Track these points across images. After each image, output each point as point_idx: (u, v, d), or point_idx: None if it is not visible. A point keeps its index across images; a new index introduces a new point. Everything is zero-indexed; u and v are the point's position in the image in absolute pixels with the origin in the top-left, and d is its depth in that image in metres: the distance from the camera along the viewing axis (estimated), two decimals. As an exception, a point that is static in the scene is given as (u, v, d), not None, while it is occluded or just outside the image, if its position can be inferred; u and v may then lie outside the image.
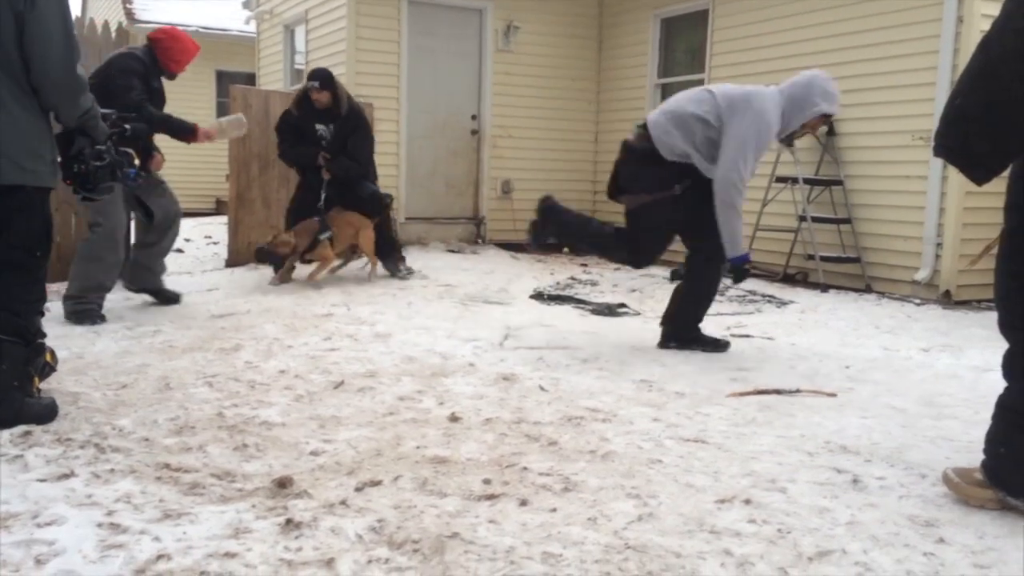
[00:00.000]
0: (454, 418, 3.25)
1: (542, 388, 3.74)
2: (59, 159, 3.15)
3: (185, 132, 5.36)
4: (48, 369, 3.36)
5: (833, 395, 3.68)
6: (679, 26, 9.36)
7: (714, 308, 6.16)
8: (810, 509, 2.44)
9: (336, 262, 6.94)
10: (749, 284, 7.22)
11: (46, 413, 3.12)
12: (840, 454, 2.93)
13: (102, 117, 3.26)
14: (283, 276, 6.67)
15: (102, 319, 4.95)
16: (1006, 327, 2.46)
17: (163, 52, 5.28)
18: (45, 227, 3.05)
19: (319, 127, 6.69)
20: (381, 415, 3.29)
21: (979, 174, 2.38)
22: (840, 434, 3.12)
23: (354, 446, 2.90)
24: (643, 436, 3.06)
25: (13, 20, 2.81)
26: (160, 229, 5.49)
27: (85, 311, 4.93)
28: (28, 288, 3.04)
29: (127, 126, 3.49)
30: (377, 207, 6.85)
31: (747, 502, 2.47)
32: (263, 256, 6.69)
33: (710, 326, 5.28)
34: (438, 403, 3.47)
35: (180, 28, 5.60)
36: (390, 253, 7.14)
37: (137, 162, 3.42)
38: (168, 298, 5.63)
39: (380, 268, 7.11)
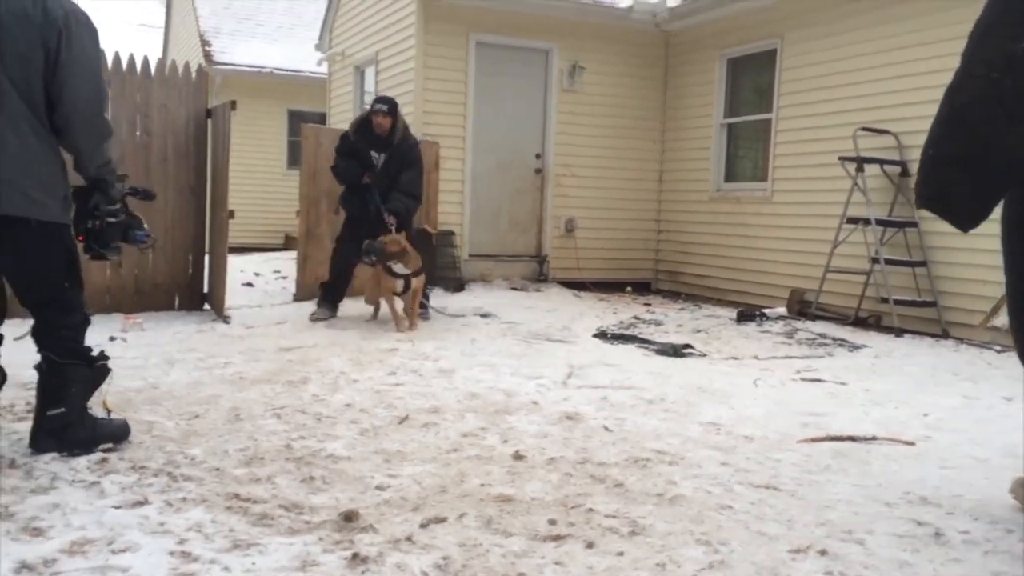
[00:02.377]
0: (518, 456, 3.23)
1: (607, 428, 3.70)
2: (74, 212, 3.12)
3: None
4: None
5: (911, 444, 3.54)
6: (746, 66, 9.32)
7: (782, 351, 6.05)
8: (890, 563, 2.35)
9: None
10: (819, 327, 7.06)
11: (120, 432, 3.21)
12: (920, 506, 2.81)
13: (117, 178, 3.23)
14: (375, 309, 6.68)
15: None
16: None
17: None
18: (68, 260, 3.04)
19: (372, 153, 6.70)
20: (445, 451, 3.28)
21: (963, 219, 2.42)
22: (920, 484, 3.01)
23: (419, 481, 2.90)
24: (712, 480, 2.99)
25: (43, 56, 2.82)
26: None
27: None
28: (69, 316, 3.08)
29: (139, 188, 3.50)
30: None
31: (823, 553, 2.38)
32: (370, 251, 6.15)
33: (779, 370, 5.19)
34: (502, 440, 3.46)
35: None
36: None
37: (146, 226, 3.42)
38: None
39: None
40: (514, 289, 9.18)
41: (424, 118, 9.11)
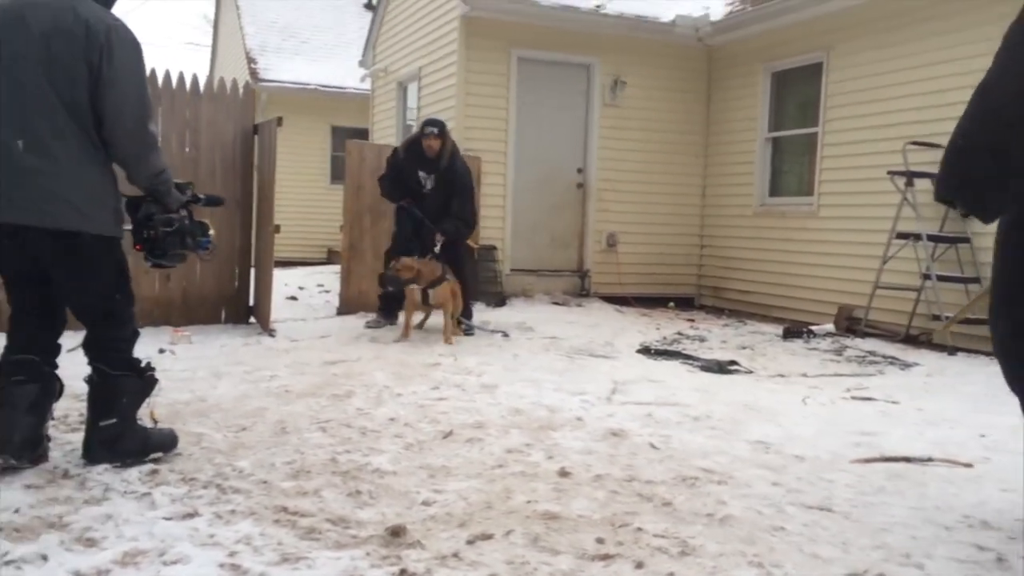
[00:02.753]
0: (564, 473, 3.20)
1: (653, 446, 3.65)
2: (129, 222, 3.18)
3: None
4: None
5: (969, 466, 3.44)
6: (791, 79, 9.23)
7: (831, 368, 5.94)
8: (951, 588, 2.28)
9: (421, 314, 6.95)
10: (868, 344, 6.93)
11: (169, 441, 3.26)
12: (981, 530, 2.73)
13: (178, 187, 3.25)
14: (407, 332, 6.58)
15: None
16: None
17: None
18: (119, 273, 3.09)
19: (421, 173, 6.85)
20: (490, 467, 3.27)
21: (989, 210, 2.50)
22: (980, 508, 2.91)
23: (464, 497, 2.88)
24: (763, 501, 2.94)
25: (88, 72, 2.86)
26: None
27: None
28: (120, 328, 3.13)
29: (201, 196, 3.48)
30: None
31: (880, 577, 2.32)
32: (386, 281, 6.53)
33: (828, 388, 5.10)
34: (547, 457, 3.43)
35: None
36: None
37: (212, 232, 3.45)
38: None
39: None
40: (555, 304, 9.15)
41: (466, 133, 9.16)
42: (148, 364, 3.25)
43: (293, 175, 13.97)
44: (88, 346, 3.12)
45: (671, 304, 9.82)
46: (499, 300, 8.82)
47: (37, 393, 3.02)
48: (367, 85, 13.23)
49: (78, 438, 3.41)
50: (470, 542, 2.48)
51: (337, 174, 14.29)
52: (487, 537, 2.52)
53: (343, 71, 15.35)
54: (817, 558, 2.45)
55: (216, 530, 2.51)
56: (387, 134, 11.97)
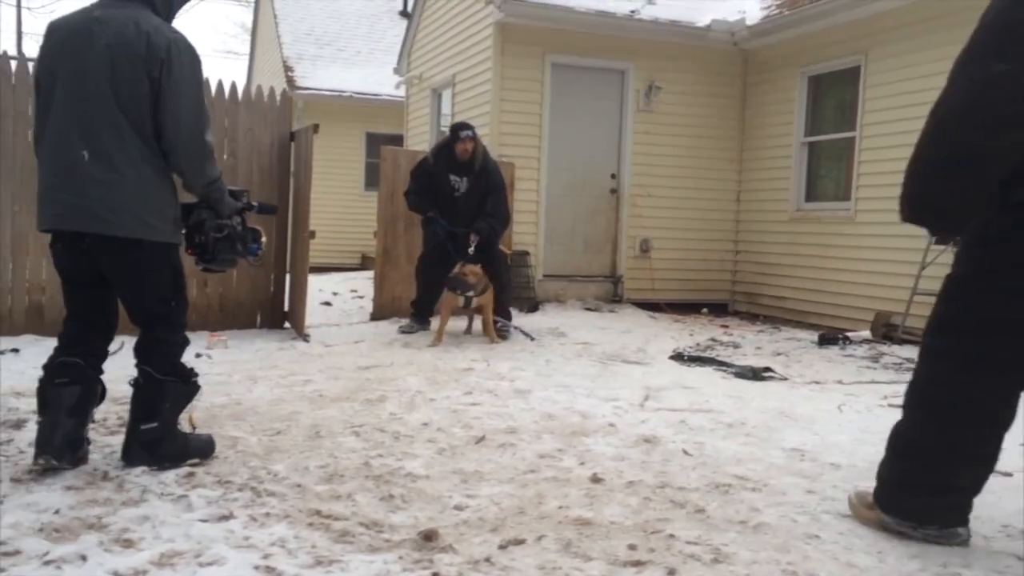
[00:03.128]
0: (596, 479, 3.19)
1: (686, 452, 3.63)
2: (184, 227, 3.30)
3: None
4: None
5: (1009, 475, 3.37)
6: (828, 83, 9.13)
7: (868, 376, 5.86)
8: (990, 600, 2.23)
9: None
10: (906, 351, 6.82)
11: (207, 448, 3.32)
12: (1020, 540, 2.68)
13: (233, 194, 3.36)
14: (440, 337, 6.67)
15: None
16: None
17: None
18: (175, 278, 3.19)
19: (453, 178, 6.96)
20: (522, 472, 3.27)
21: (945, 229, 2.71)
22: (1019, 517, 2.86)
23: (497, 502, 2.89)
24: (798, 509, 2.90)
25: (148, 85, 2.97)
26: None
27: None
28: (172, 333, 3.22)
29: (255, 203, 3.59)
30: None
31: (917, 587, 2.28)
32: (453, 284, 6.59)
33: (865, 395, 5.03)
34: (579, 463, 3.42)
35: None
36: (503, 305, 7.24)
37: (264, 239, 3.56)
38: None
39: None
40: (588, 309, 9.14)
41: (500, 139, 9.19)
42: (192, 371, 3.31)
43: (328, 181, 14.10)
44: (138, 349, 3.21)
45: (704, 310, 9.76)
46: (532, 306, 8.82)
47: (79, 395, 3.09)
48: (401, 92, 13.33)
49: (117, 441, 3.48)
50: (502, 547, 2.49)
51: (371, 180, 14.39)
52: (519, 542, 2.53)
53: (378, 78, 15.48)
54: (852, 567, 2.42)
55: (251, 532, 2.55)
56: (421, 140, 12.05)
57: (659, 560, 2.42)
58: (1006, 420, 2.56)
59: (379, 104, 15.33)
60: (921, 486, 2.59)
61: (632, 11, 9.35)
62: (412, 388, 4.78)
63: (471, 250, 6.75)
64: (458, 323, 7.32)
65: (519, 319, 7.93)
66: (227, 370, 5.19)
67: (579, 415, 4.27)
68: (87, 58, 2.97)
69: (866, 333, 7.59)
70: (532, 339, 6.88)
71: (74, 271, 3.15)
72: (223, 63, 42.77)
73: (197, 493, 2.88)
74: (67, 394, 3.07)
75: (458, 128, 6.97)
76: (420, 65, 12.19)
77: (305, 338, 6.60)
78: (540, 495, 2.98)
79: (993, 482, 3.21)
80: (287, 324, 7.18)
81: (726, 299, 10.17)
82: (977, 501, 3.01)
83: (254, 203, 3.58)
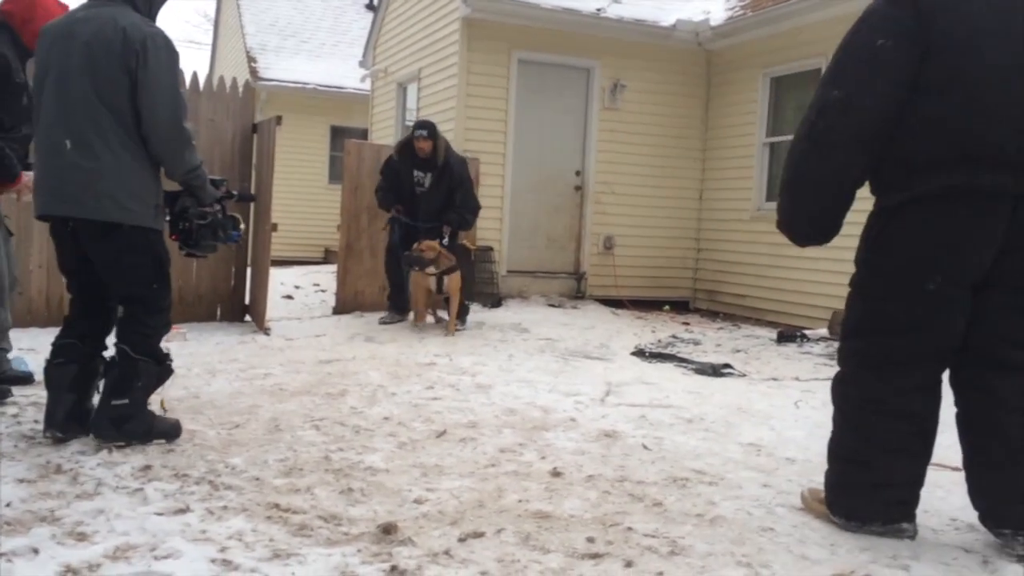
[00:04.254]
0: (556, 473, 3.21)
1: (645, 447, 3.67)
2: (167, 214, 3.44)
3: (5, 175, 3.83)
4: None
5: (959, 469, 3.45)
6: (789, 84, 9.25)
7: (824, 372, 5.96)
8: (937, 590, 2.29)
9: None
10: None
11: (173, 431, 3.37)
12: (967, 532, 2.75)
13: (213, 183, 3.49)
14: (421, 317, 7.08)
15: (30, 379, 4.12)
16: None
17: (24, 26, 3.88)
18: (156, 263, 3.31)
19: (417, 174, 7.11)
20: (483, 466, 3.28)
21: (803, 243, 2.87)
22: (967, 511, 2.91)
23: (457, 496, 2.90)
24: (753, 502, 2.95)
25: (127, 76, 3.12)
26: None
27: None
28: (153, 316, 3.34)
29: (234, 192, 3.71)
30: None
31: (867, 578, 2.33)
32: (410, 261, 6.79)
33: (821, 392, 5.10)
34: (539, 457, 3.44)
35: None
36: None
37: (243, 226, 3.68)
38: (24, 379, 4.20)
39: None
40: (551, 306, 9.16)
41: (465, 135, 9.17)
42: (168, 354, 3.43)
43: (291, 174, 13.98)
44: (119, 327, 3.32)
45: (666, 307, 9.84)
46: (495, 301, 8.83)
47: (76, 373, 3.28)
48: (367, 85, 13.24)
49: (72, 434, 3.43)
50: (461, 540, 2.50)
51: (335, 174, 14.29)
52: (478, 535, 2.54)
53: (343, 71, 15.35)
54: (805, 559, 2.47)
55: (208, 526, 2.52)
56: (386, 134, 11.98)
57: (617, 552, 2.45)
58: (924, 414, 2.64)
59: (344, 97, 15.22)
60: (856, 485, 2.66)
61: (598, 9, 9.39)
62: (373, 382, 4.76)
63: (444, 240, 6.91)
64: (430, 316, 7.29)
65: (483, 315, 7.94)
66: (186, 363, 5.11)
67: (540, 410, 4.29)
68: (70, 56, 3.15)
69: (823, 331, 7.71)
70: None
71: (65, 255, 3.34)
72: (184, 53, 42.05)
73: (153, 486, 2.85)
74: (64, 372, 3.26)
75: (416, 127, 7.10)
76: (386, 59, 12.12)
77: (266, 331, 6.54)
78: (500, 489, 2.99)
79: (942, 477, 3.31)
80: (248, 317, 7.10)
81: (688, 297, 10.26)
82: (927, 495, 3.08)
83: (233, 191, 3.72)
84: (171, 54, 3.21)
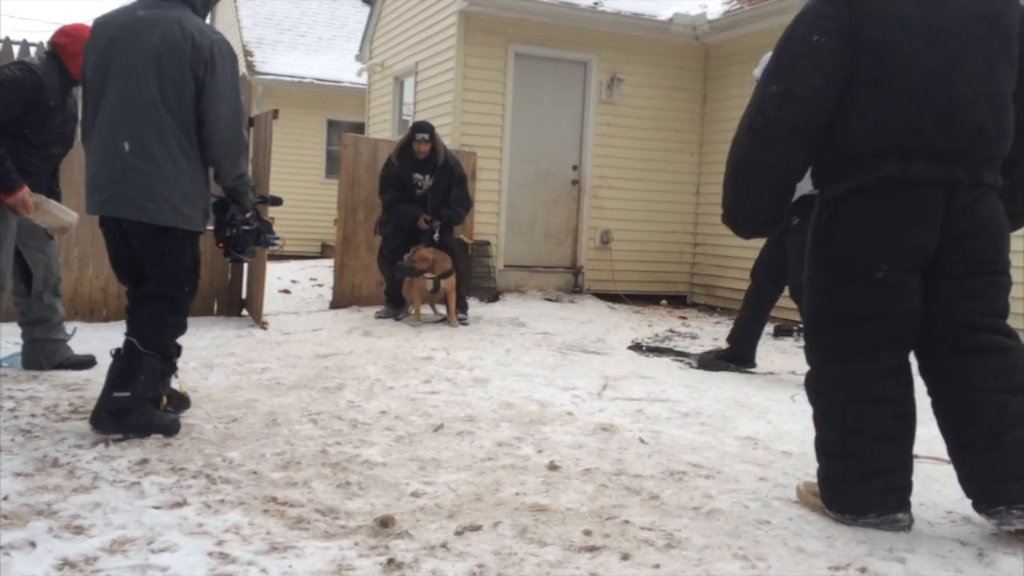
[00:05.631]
0: (553, 466, 3.21)
1: (642, 440, 3.67)
2: (215, 222, 3.55)
3: (4, 185, 3.89)
4: (185, 403, 3.70)
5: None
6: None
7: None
8: (932, 582, 2.30)
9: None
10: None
11: (172, 426, 3.39)
12: (963, 525, 2.76)
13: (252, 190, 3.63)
14: (418, 314, 7.12)
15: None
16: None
17: (71, 58, 4.08)
18: (193, 266, 3.44)
19: (416, 176, 7.09)
20: (480, 460, 3.28)
21: (745, 234, 2.93)
22: (963, 504, 2.92)
23: (454, 489, 2.90)
24: (750, 495, 2.96)
25: (193, 81, 3.20)
26: (45, 292, 4.51)
27: None
28: (174, 316, 3.43)
29: (266, 196, 3.89)
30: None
31: (863, 571, 2.34)
32: (403, 272, 6.85)
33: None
34: (536, 450, 3.45)
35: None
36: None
37: (276, 229, 3.84)
38: (86, 363, 4.62)
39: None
40: (548, 300, 9.16)
41: (462, 128, 9.17)
42: (178, 350, 3.52)
43: (288, 168, 13.95)
44: (135, 319, 3.37)
45: (664, 301, 9.85)
46: (492, 296, 8.83)
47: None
48: (364, 79, 13.22)
49: (68, 427, 3.44)
50: (458, 533, 2.50)
51: (332, 168, 14.27)
52: (475, 528, 2.54)
53: (340, 65, 15.33)
54: (802, 551, 2.47)
55: (205, 519, 2.52)
56: (383, 129, 11.97)
57: (613, 545, 2.45)
58: (899, 398, 2.66)
59: (341, 91, 15.19)
60: (846, 479, 2.68)
61: (595, 3, 9.37)
62: (371, 376, 4.76)
63: (435, 236, 6.96)
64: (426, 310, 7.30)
65: (480, 309, 7.94)
66: (183, 357, 5.05)
67: (537, 404, 4.30)
68: (135, 57, 3.19)
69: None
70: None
71: (116, 252, 3.42)
72: (181, 47, 41.90)
73: (150, 480, 2.85)
74: (114, 368, 3.31)
75: (415, 129, 7.08)
76: (382, 53, 12.10)
77: (263, 326, 6.54)
78: (497, 482, 3.00)
79: (937, 470, 3.32)
80: (245, 312, 7.10)
81: (685, 291, 10.27)
82: (923, 489, 3.10)
83: (265, 196, 3.90)
84: (235, 62, 3.34)
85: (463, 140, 9.07)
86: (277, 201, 4.19)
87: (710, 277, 10.00)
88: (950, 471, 3.31)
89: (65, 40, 4.18)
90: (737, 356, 5.62)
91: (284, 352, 5.49)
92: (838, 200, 2.67)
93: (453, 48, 9.31)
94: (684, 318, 8.76)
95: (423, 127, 7.08)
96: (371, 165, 7.96)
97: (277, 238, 3.80)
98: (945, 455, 3.48)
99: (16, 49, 6.07)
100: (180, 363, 4.85)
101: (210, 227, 3.58)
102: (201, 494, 2.75)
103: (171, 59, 3.17)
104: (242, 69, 14.49)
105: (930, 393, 2.73)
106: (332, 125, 15.27)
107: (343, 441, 3.45)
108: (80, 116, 3.43)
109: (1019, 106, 2.64)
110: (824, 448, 2.74)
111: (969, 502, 2.86)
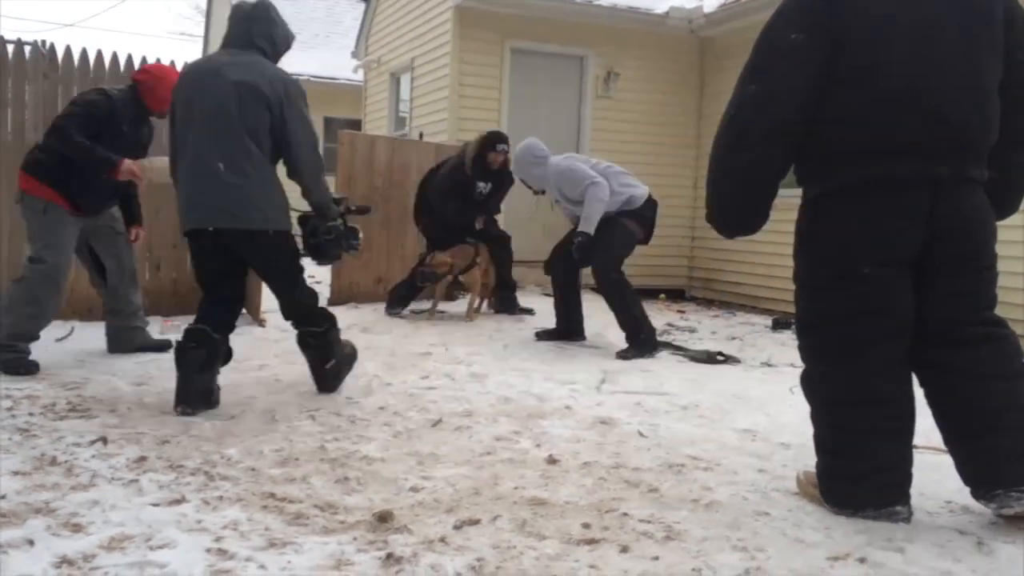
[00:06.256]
0: (552, 460, 3.21)
1: (641, 434, 3.67)
2: (302, 234, 4.13)
3: (106, 165, 4.52)
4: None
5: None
6: (783, 72, 9.23)
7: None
8: (931, 571, 2.30)
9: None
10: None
11: (354, 357, 4.41)
12: (962, 515, 2.76)
13: (335, 201, 4.19)
14: (433, 312, 7.18)
15: (35, 367, 4.42)
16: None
17: (148, 92, 4.69)
18: (294, 255, 4.01)
19: (480, 184, 7.17)
20: (479, 454, 3.28)
21: (729, 234, 2.92)
22: (962, 494, 2.92)
23: (452, 484, 2.90)
24: (748, 487, 2.96)
25: (268, 117, 3.75)
26: (120, 284, 5.07)
27: (15, 360, 4.39)
28: (305, 294, 4.08)
29: (352, 206, 4.40)
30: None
31: (862, 560, 2.34)
32: (426, 278, 6.92)
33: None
34: (535, 444, 3.45)
35: (164, 68, 4.94)
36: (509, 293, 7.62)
37: (361, 235, 4.30)
38: (162, 347, 5.09)
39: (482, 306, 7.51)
40: (547, 295, 9.12)
41: (459, 124, 9.16)
42: (332, 314, 4.18)
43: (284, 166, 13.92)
44: (289, 314, 4.10)
45: (662, 295, 9.83)
46: (491, 291, 8.81)
47: (205, 356, 3.78)
48: (360, 76, 13.20)
49: (67, 425, 3.44)
50: (457, 527, 2.50)
51: (329, 165, 14.16)
52: (474, 522, 2.54)
53: (336, 62, 15.31)
54: (800, 542, 2.47)
55: (203, 516, 2.52)
56: (379, 125, 11.95)
57: (612, 538, 2.45)
58: (896, 394, 2.65)
59: (337, 88, 15.19)
60: (844, 475, 2.67)
61: (591, -3, 9.36)
62: (369, 372, 4.75)
63: (479, 226, 7.19)
64: (426, 307, 7.30)
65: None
66: (180, 355, 5.11)
67: (536, 398, 4.30)
68: (220, 93, 3.72)
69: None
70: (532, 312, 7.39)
71: (214, 262, 3.92)
72: (177, 45, 41.92)
73: (148, 477, 2.84)
74: (196, 355, 3.75)
75: (496, 140, 7.08)
76: (378, 49, 12.08)
77: (261, 323, 6.52)
78: (496, 476, 3.00)
79: (937, 460, 3.31)
80: (243, 309, 7.07)
81: (683, 285, 10.27)
82: (922, 479, 3.09)
83: (352, 206, 4.40)
84: (304, 97, 3.91)
85: (460, 136, 9.04)
86: (365, 210, 4.70)
87: (708, 271, 10.00)
88: (949, 461, 3.32)
89: (144, 77, 4.76)
90: None
91: (282, 349, 5.47)
92: (821, 198, 2.67)
93: (449, 44, 9.29)
94: (683, 312, 8.76)
95: (504, 138, 7.11)
96: (368, 162, 7.94)
97: (359, 242, 4.28)
98: (943, 445, 3.49)
99: (11, 48, 6.06)
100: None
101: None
102: (199, 491, 2.74)
103: (249, 95, 3.70)
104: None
105: (922, 384, 2.73)
106: (329, 122, 15.25)
107: (341, 437, 3.45)
108: (169, 152, 3.95)
109: (1005, 99, 2.63)
110: (821, 445, 2.74)
111: (968, 491, 2.87)
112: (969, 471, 2.65)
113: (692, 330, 7.35)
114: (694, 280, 10.24)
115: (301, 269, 4.07)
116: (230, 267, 3.95)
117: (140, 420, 3.60)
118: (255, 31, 3.88)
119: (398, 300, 7.29)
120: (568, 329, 6.22)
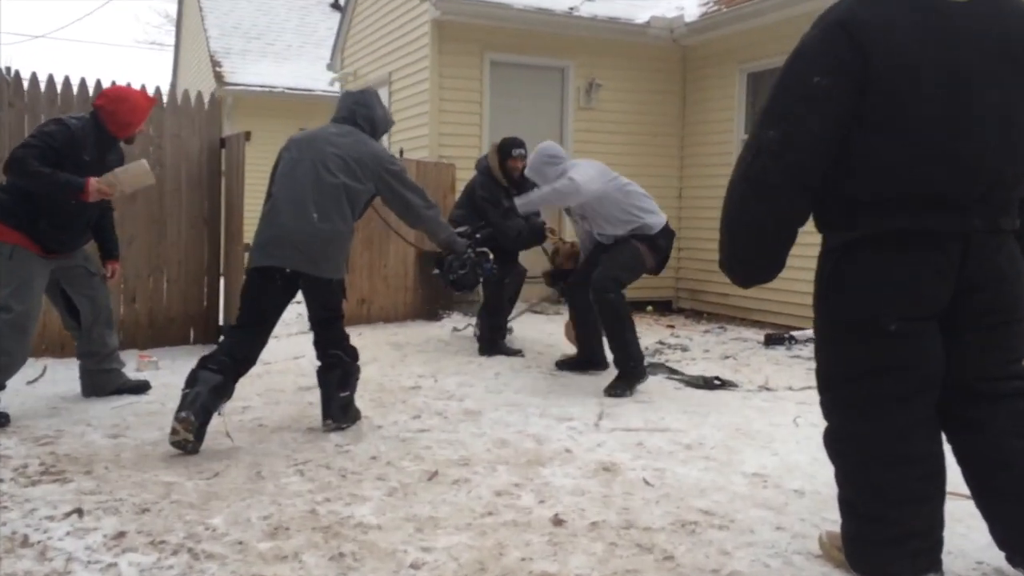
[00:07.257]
0: (557, 521, 3.04)
1: (647, 482, 3.51)
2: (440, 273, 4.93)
3: (73, 189, 4.35)
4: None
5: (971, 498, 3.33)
6: (767, 80, 9.12)
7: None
8: (975, 654, 2.15)
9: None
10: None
11: (357, 414, 4.43)
12: (995, 577, 2.62)
13: (461, 234, 4.75)
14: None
15: (5, 419, 4.23)
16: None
17: (109, 117, 4.57)
18: (341, 298, 4.35)
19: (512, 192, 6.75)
20: (480, 515, 3.11)
21: (746, 284, 2.76)
22: (991, 551, 2.78)
23: (455, 557, 2.72)
24: (768, 550, 2.80)
25: (373, 184, 4.30)
26: (95, 326, 4.88)
27: None
28: (343, 332, 4.35)
29: (477, 235, 5.00)
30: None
31: (901, 643, 2.19)
32: (555, 278, 6.58)
33: (816, 403, 5.01)
34: (538, 500, 3.27)
35: (129, 91, 4.74)
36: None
37: (492, 257, 4.81)
38: (139, 388, 5.04)
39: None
40: (533, 311, 8.98)
41: (440, 139, 8.97)
42: (356, 352, 4.36)
43: (262, 180, 13.66)
44: (322, 344, 4.31)
45: (649, 308, 9.71)
46: (476, 310, 8.63)
47: (220, 381, 3.92)
48: (336, 88, 12.96)
49: (39, 493, 3.25)
50: (463, 612, 2.32)
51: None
52: (481, 605, 2.37)
53: (311, 73, 15.07)
54: (831, 620, 2.32)
55: (189, 609, 2.33)
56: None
57: (632, 622, 2.29)
58: (926, 454, 2.49)
59: (313, 100, 14.93)
60: (874, 541, 2.51)
61: (571, 8, 9.21)
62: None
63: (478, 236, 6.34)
64: (410, 330, 7.11)
65: (461, 324, 7.74)
66: (159, 397, 4.89)
67: (533, 440, 4.13)
68: (326, 156, 4.22)
69: (810, 332, 7.59)
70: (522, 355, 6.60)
71: (276, 297, 4.18)
72: (147, 55, 41.40)
73: (127, 559, 2.65)
74: (213, 378, 3.90)
75: (513, 146, 6.70)
76: (354, 62, 11.86)
77: (242, 355, 6.31)
78: (500, 544, 2.82)
79: (960, 508, 3.16)
80: (223, 339, 6.84)
81: (671, 296, 10.14)
82: (948, 532, 2.94)
83: (477, 235, 5.05)
84: (395, 163, 4.43)
85: (441, 151, 8.88)
86: (474, 235, 5.16)
87: (696, 282, 9.87)
88: (972, 510, 3.17)
89: (103, 102, 4.62)
90: None
91: (265, 386, 5.28)
92: (845, 248, 2.49)
93: (427, 58, 9.10)
94: (672, 327, 8.63)
95: (518, 142, 6.71)
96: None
97: (491, 265, 4.75)
98: (966, 489, 3.35)
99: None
100: (156, 404, 4.70)
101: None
102: (184, 574, 2.55)
103: (354, 163, 4.21)
104: (211, 80, 14.24)
105: (950, 441, 2.59)
106: (305, 134, 14.98)
107: (333, 497, 3.26)
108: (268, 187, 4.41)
109: None
110: (850, 509, 2.57)
111: (997, 549, 2.73)
112: (1002, 536, 2.51)
113: (684, 348, 7.22)
114: (681, 291, 10.12)
115: (342, 312, 4.40)
116: (285, 304, 4.26)
117: (118, 483, 3.39)
118: (359, 113, 4.44)
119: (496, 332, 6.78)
120: (590, 360, 5.96)
